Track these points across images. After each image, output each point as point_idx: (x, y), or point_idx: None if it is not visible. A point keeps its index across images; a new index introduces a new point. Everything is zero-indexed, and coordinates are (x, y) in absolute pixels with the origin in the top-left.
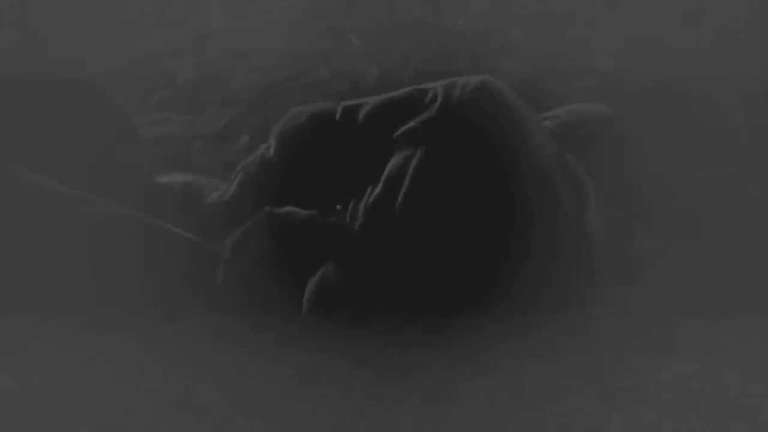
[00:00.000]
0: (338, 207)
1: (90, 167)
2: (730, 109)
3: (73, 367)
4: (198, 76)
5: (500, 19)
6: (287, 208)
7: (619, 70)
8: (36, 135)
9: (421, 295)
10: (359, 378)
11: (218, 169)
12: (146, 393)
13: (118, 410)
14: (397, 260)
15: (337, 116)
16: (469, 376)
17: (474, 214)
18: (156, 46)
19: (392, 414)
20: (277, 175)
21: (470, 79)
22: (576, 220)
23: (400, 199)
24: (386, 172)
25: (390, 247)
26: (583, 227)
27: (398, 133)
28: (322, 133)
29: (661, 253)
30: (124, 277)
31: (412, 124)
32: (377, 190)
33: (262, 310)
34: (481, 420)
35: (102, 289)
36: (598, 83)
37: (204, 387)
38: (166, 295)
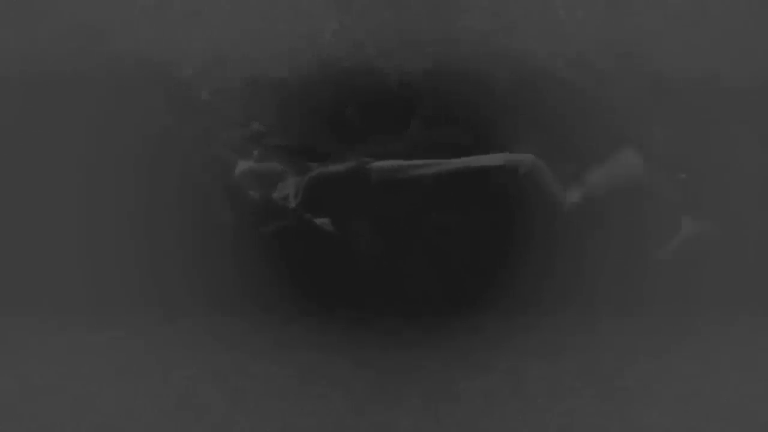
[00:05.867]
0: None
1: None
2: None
3: (73, 367)
4: None
5: None
6: None
7: (582, 33)
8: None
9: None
10: (360, 378)
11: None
12: (146, 393)
13: (118, 410)
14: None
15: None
16: (469, 376)
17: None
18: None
19: (392, 414)
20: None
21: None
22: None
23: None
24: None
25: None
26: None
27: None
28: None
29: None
30: (125, 277)
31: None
32: None
33: (262, 310)
34: (481, 420)
35: (103, 290)
36: (559, 44)
37: (204, 387)
38: (166, 295)
